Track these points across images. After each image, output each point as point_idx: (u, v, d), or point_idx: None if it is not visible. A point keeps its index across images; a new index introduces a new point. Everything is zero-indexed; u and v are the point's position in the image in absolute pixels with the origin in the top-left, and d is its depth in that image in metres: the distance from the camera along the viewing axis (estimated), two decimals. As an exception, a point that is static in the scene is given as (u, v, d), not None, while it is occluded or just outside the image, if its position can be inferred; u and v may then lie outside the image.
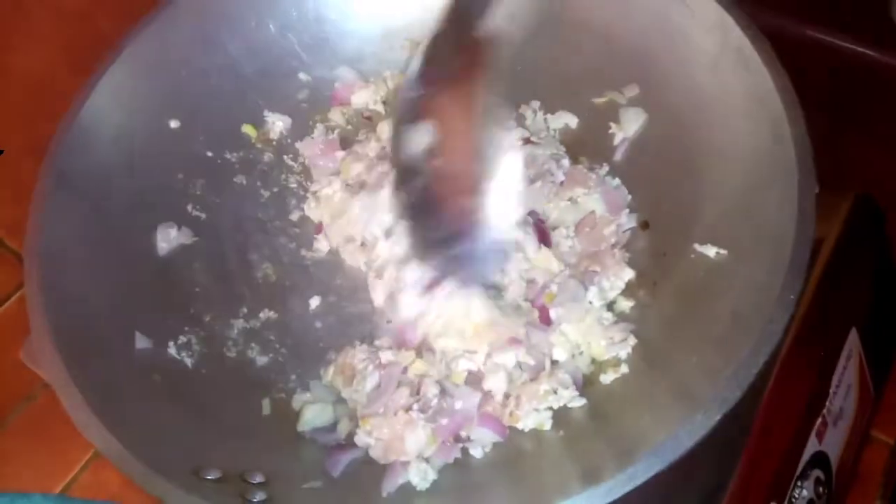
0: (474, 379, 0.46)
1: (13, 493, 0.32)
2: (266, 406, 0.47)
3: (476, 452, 0.44)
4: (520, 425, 0.44)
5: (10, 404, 0.63)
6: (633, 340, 0.46)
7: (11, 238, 0.66)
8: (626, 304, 0.49)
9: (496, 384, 0.45)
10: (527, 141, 0.55)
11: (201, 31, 0.55)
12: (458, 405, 0.44)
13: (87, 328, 0.45)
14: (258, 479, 0.42)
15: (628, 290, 0.49)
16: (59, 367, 0.42)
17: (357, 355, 0.47)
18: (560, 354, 0.47)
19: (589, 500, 0.36)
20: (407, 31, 0.59)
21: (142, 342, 0.47)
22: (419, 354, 0.46)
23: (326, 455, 0.44)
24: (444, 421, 0.43)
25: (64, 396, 0.41)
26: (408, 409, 0.44)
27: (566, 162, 0.54)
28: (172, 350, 0.48)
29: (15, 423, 0.63)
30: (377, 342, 0.48)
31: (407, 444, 0.43)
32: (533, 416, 0.44)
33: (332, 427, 0.46)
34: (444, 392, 0.45)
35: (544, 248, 0.48)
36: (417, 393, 0.45)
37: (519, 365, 0.46)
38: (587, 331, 0.47)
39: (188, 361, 0.48)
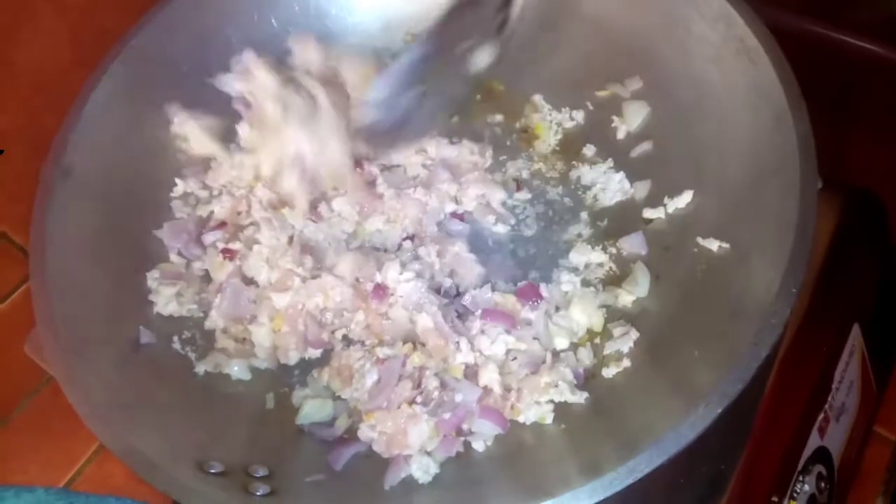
0: (473, 372, 0.46)
1: (17, 487, 0.32)
2: (270, 400, 0.48)
3: (478, 446, 0.44)
4: (521, 419, 0.45)
5: (15, 398, 0.63)
6: (635, 334, 0.46)
7: (16, 233, 0.67)
8: (628, 298, 0.49)
9: (489, 376, 0.45)
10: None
11: (204, 26, 0.55)
12: (459, 398, 0.44)
13: (91, 322, 0.45)
14: (261, 472, 0.42)
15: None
16: (63, 360, 0.42)
17: (352, 355, 0.47)
18: (561, 343, 0.47)
19: (591, 493, 0.36)
20: (408, 24, 0.59)
21: (146, 337, 0.48)
22: (414, 347, 0.46)
23: (329, 449, 0.44)
24: (447, 415, 0.43)
25: (68, 390, 0.41)
26: (411, 402, 0.44)
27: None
28: (177, 345, 0.49)
29: (21, 417, 0.63)
30: (367, 341, 0.48)
31: (410, 437, 0.43)
32: (534, 409, 0.44)
33: (331, 422, 0.46)
34: (444, 385, 0.45)
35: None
36: (419, 386, 0.45)
37: (515, 356, 0.46)
38: (580, 303, 0.47)
39: (192, 356, 0.49)
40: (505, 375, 0.46)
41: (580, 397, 0.44)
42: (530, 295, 0.48)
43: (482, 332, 0.46)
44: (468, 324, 0.47)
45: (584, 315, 0.48)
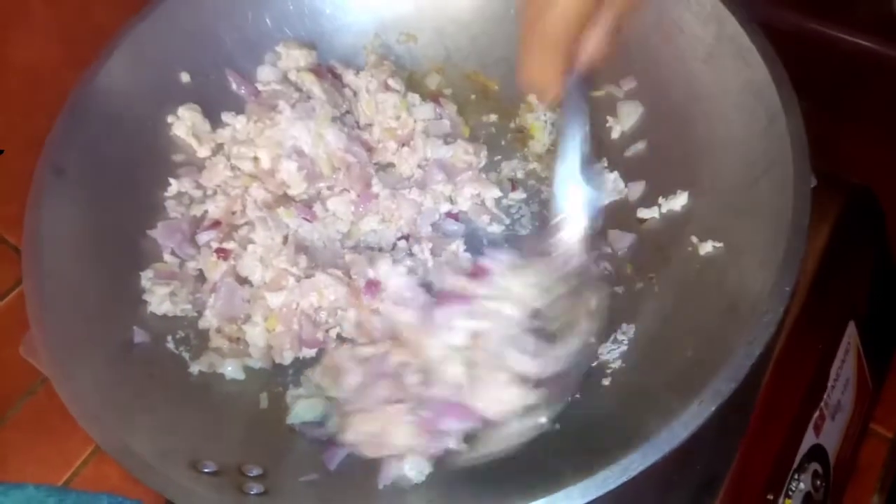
0: (451, 368, 0.44)
1: (7, 484, 0.32)
2: (264, 400, 0.48)
3: (466, 444, 0.44)
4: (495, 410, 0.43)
5: (11, 399, 0.63)
6: (629, 333, 0.46)
7: (11, 233, 0.66)
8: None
9: (455, 370, 0.42)
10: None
11: (198, 25, 0.55)
12: (439, 396, 0.43)
13: (85, 322, 0.45)
14: (255, 471, 0.42)
15: (625, 283, 0.49)
16: (57, 360, 0.42)
17: (341, 354, 0.47)
18: (512, 310, 0.43)
19: (584, 491, 0.36)
20: (402, 24, 0.59)
21: (140, 336, 0.47)
22: (396, 344, 0.46)
23: (323, 448, 0.44)
24: (427, 413, 0.43)
25: (62, 390, 0.41)
26: (391, 402, 0.43)
27: None
28: (171, 345, 0.49)
29: (17, 418, 0.63)
30: (359, 339, 0.48)
31: (392, 438, 0.42)
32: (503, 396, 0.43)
33: (323, 422, 0.46)
34: (425, 383, 0.44)
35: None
36: (400, 385, 0.44)
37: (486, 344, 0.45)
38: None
39: (186, 356, 0.48)
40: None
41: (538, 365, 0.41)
42: (479, 274, 0.45)
43: (450, 327, 0.44)
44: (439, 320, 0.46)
45: (574, 312, 0.47)
